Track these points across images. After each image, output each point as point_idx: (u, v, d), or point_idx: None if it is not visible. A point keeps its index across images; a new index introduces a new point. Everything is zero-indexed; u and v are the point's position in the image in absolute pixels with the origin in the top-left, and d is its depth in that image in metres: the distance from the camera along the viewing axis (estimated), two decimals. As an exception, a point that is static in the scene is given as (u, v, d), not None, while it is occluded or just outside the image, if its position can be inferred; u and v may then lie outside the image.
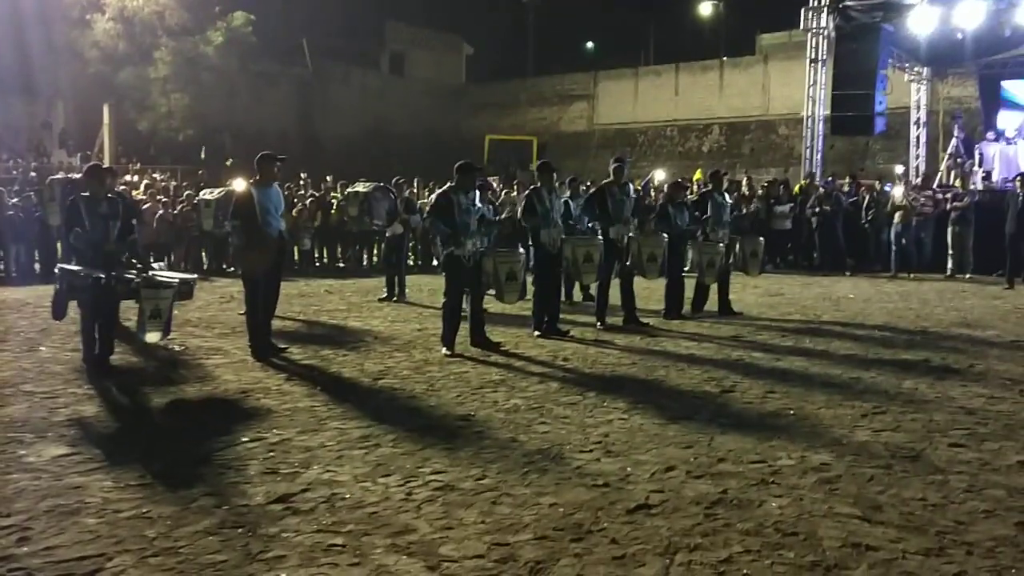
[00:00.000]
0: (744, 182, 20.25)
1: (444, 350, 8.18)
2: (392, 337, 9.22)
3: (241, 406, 6.28)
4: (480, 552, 3.71)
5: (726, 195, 11.44)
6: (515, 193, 17.35)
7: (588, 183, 14.77)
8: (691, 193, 12.89)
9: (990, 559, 3.67)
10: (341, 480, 4.60)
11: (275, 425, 5.68)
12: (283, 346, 8.24)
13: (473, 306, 8.53)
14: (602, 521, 4.04)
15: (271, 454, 5.05)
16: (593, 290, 10.56)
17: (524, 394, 6.59)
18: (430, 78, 41.30)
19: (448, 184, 8.47)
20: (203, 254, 16.86)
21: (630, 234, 9.77)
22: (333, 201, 17.35)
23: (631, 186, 10.20)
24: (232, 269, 15.41)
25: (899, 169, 18.88)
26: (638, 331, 9.57)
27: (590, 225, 9.84)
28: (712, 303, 10.91)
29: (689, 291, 10.80)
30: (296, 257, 16.34)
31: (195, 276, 8.87)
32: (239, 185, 8.69)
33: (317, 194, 18.08)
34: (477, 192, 8.71)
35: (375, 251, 17.59)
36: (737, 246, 11.04)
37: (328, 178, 19.76)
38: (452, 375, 7.27)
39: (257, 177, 8.05)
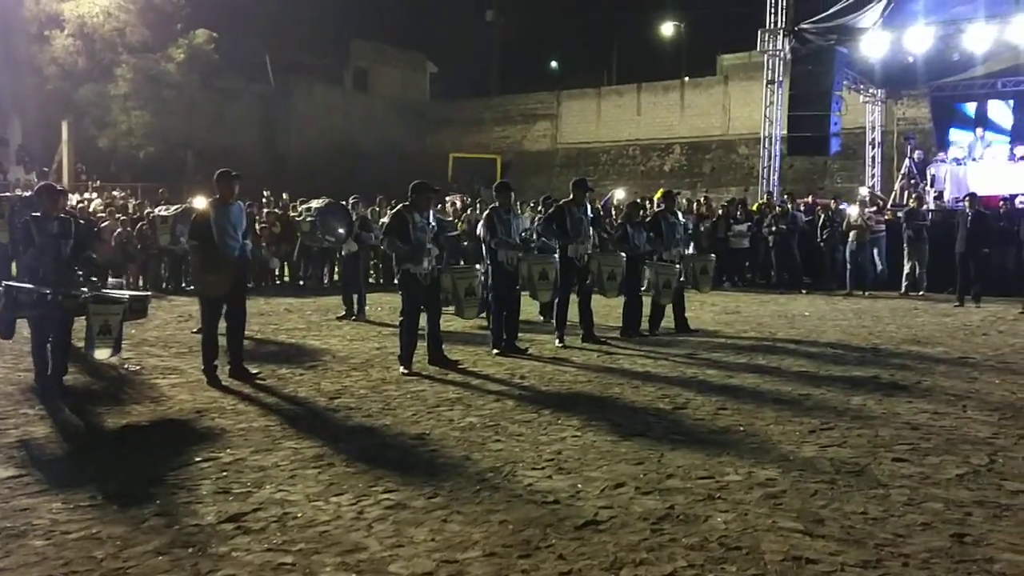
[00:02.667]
0: (702, 200, 20.54)
1: (401, 369, 8.21)
2: (350, 356, 9.23)
3: (195, 426, 6.27)
4: (429, 569, 3.76)
5: (679, 215, 11.59)
6: (477, 211, 17.46)
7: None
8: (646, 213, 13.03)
9: (925, 570, 3.77)
10: (293, 499, 4.62)
11: (229, 445, 5.68)
12: (256, 371, 8.03)
13: (430, 324, 8.57)
14: (551, 537, 4.10)
15: (224, 474, 5.06)
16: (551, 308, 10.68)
17: (480, 412, 6.64)
18: (394, 95, 41.35)
19: (403, 204, 8.55)
20: (161, 271, 16.73)
21: (588, 252, 9.91)
22: (292, 218, 17.32)
23: (589, 205, 10.34)
24: (191, 288, 15.30)
25: (863, 191, 19.22)
26: (596, 348, 9.67)
27: (550, 243, 9.99)
28: (668, 320, 11.03)
29: (646, 309, 10.93)
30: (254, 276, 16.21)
31: (149, 294, 8.77)
32: (199, 203, 8.62)
33: (279, 211, 18.05)
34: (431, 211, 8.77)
35: (335, 269, 17.57)
36: (689, 264, 11.19)
37: (284, 195, 19.70)
38: (409, 394, 7.30)
39: (216, 196, 7.90)
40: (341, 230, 11.96)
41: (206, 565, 3.78)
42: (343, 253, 12.55)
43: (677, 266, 10.77)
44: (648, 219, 11.19)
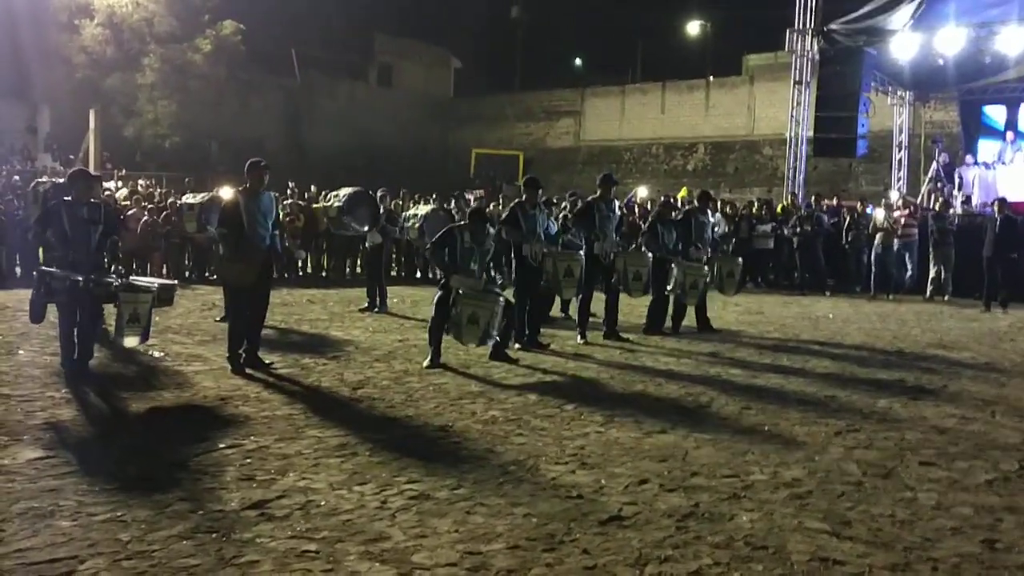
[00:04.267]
0: (737, 203, 20.46)
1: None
2: (372, 347, 9.24)
3: (219, 413, 6.29)
4: (453, 560, 3.74)
5: (710, 215, 11.55)
6: (500, 207, 17.48)
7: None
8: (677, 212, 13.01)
9: (954, 575, 3.72)
10: (317, 487, 4.62)
11: (252, 432, 5.69)
12: (269, 360, 8.06)
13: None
14: (574, 532, 4.08)
15: (248, 461, 5.07)
16: (574, 305, 10.63)
17: (502, 406, 6.62)
18: (418, 90, 41.38)
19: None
20: (185, 260, 16.83)
21: (615, 250, 9.86)
22: (316, 209, 17.37)
23: (617, 203, 10.32)
24: (215, 277, 15.38)
25: (894, 195, 19.05)
26: (618, 346, 9.63)
27: (576, 240, 10.00)
28: (690, 319, 10.97)
29: (670, 308, 10.86)
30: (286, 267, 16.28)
31: (176, 283, 8.81)
32: (226, 193, 8.65)
33: (303, 203, 18.09)
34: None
35: (359, 261, 17.61)
36: (716, 266, 11.12)
37: (312, 188, 19.77)
38: (431, 386, 7.29)
39: (247, 185, 7.89)
40: (366, 223, 12.00)
41: (230, 551, 3.78)
42: (367, 244, 12.57)
43: (704, 267, 10.70)
44: (680, 217, 11.16)
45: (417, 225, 13.90)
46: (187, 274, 16.47)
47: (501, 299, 8.19)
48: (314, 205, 17.63)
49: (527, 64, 46.84)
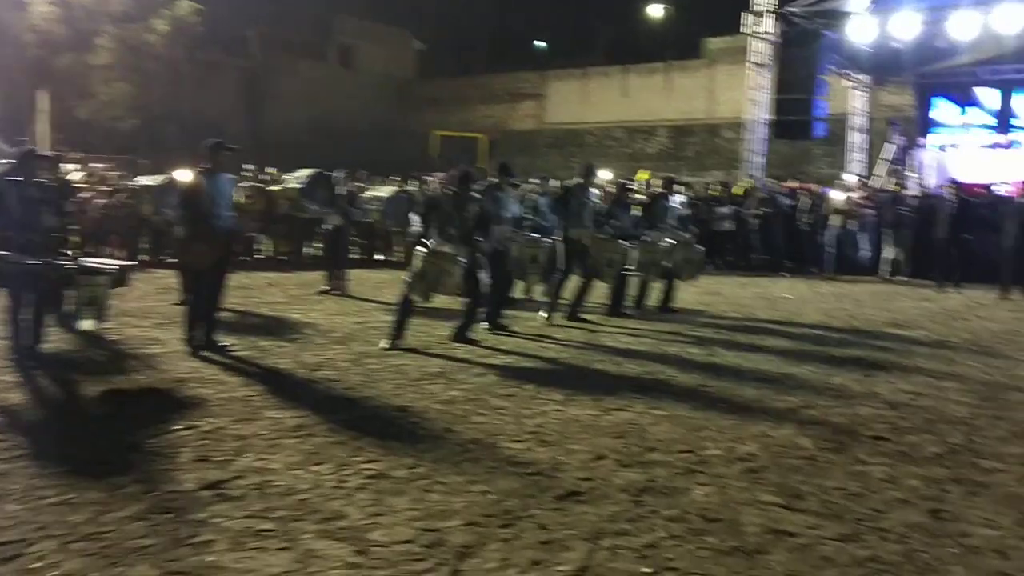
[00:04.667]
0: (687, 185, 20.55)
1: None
2: (331, 329, 9.18)
3: (175, 395, 6.21)
4: (409, 537, 3.75)
5: (676, 199, 11.70)
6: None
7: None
8: (637, 194, 13.14)
9: (902, 544, 3.80)
10: (273, 468, 4.59)
11: (208, 414, 5.64)
12: (227, 343, 7.94)
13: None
14: (531, 508, 4.10)
15: (204, 442, 5.02)
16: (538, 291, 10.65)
17: (462, 386, 6.62)
18: (379, 72, 41.05)
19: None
20: (141, 242, 16.55)
21: (589, 237, 9.89)
22: (275, 191, 17.17)
23: (594, 191, 10.39)
24: (173, 260, 15.17)
25: (851, 178, 19.29)
26: (579, 326, 9.67)
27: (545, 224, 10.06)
28: (653, 300, 11.04)
29: (633, 289, 10.94)
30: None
31: (133, 263, 8.65)
32: (186, 175, 8.50)
33: (261, 185, 17.87)
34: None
35: (318, 244, 17.45)
36: (677, 251, 11.19)
37: (271, 169, 19.55)
38: (390, 367, 7.27)
39: (208, 166, 7.75)
40: (326, 205, 11.92)
41: (184, 531, 3.75)
42: (327, 226, 12.47)
43: (663, 247, 10.74)
44: (648, 202, 11.30)
45: (379, 208, 13.87)
46: (144, 257, 16.21)
47: (464, 262, 8.08)
48: (272, 187, 17.44)
49: (490, 47, 46.66)
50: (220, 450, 4.87)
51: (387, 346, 8.05)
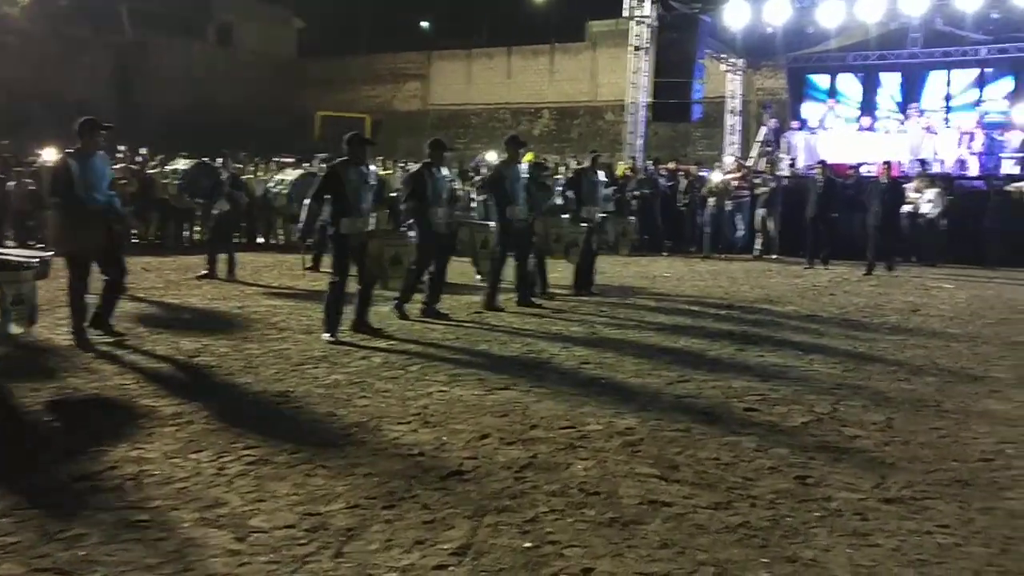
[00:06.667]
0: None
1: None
2: (210, 315, 8.96)
3: (46, 387, 5.95)
4: (291, 522, 3.72)
5: (600, 175, 11.71)
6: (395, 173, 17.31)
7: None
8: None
9: (770, 510, 4.00)
10: (150, 457, 4.48)
11: (81, 404, 5.45)
12: (122, 333, 7.57)
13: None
14: (415, 488, 4.13)
15: (76, 433, 4.85)
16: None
17: (346, 370, 6.58)
18: (260, 51, 39.89)
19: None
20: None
21: (526, 216, 9.68)
22: (151, 174, 16.57)
23: (522, 166, 10.07)
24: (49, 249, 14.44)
25: (729, 159, 19.91)
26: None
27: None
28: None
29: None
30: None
31: (51, 253, 7.72)
32: (53, 155, 7.99)
33: (135, 167, 17.20)
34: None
35: (197, 228, 16.93)
36: (608, 226, 11.33)
37: (143, 150, 18.85)
38: (272, 352, 7.16)
39: (78, 146, 7.28)
40: (210, 194, 11.57)
41: (55, 526, 3.62)
42: (215, 212, 12.05)
43: (584, 226, 10.69)
44: (571, 177, 11.34)
45: (286, 191, 13.47)
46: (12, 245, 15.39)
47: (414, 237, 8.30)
48: (149, 171, 16.82)
49: (373, 26, 45.95)
50: (94, 441, 4.71)
51: (330, 339, 7.66)
